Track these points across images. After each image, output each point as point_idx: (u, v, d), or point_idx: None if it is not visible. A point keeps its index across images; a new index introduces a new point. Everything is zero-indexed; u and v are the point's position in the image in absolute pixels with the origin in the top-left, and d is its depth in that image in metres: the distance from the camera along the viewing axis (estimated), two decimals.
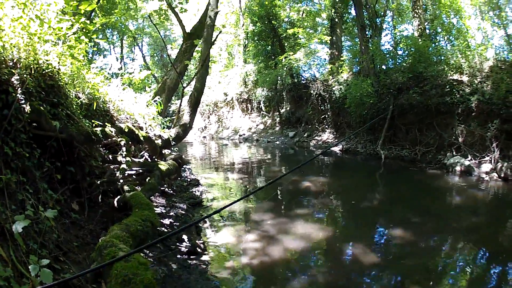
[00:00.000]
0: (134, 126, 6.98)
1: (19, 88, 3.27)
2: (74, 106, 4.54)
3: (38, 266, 2.18)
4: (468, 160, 10.05)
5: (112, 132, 5.66)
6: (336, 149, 14.91)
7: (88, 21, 5.68)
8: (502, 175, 8.93)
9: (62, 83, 4.24)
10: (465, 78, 11.99)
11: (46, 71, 3.88)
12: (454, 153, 10.81)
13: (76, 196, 4.28)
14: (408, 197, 8.44)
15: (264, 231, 6.09)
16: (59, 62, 4.10)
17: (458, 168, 9.92)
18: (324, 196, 8.75)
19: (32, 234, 2.62)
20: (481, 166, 9.80)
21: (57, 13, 4.45)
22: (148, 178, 6.53)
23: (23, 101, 3.25)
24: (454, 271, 4.84)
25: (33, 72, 3.62)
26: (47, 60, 3.91)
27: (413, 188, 9.23)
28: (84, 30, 5.58)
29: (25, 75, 3.44)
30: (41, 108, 3.47)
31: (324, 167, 12.82)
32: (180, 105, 10.46)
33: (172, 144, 9.25)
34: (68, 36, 4.74)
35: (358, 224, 6.79)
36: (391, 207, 7.65)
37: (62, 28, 4.42)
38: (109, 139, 5.77)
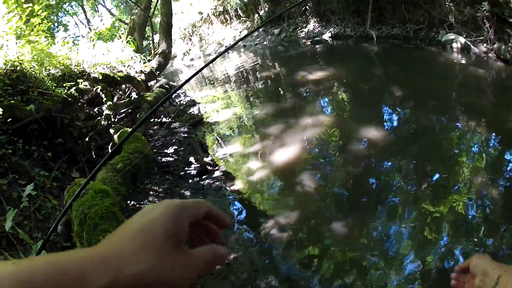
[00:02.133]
0: (113, 72, 7.03)
1: None
2: (47, 82, 4.60)
3: (35, 253, 2.10)
4: (464, 38, 9.71)
5: (86, 85, 5.72)
6: (326, 36, 14.57)
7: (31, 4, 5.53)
8: (502, 57, 8.12)
9: (27, 69, 4.27)
10: None
11: (7, 68, 3.91)
12: (447, 30, 10.47)
13: (74, 164, 4.51)
14: (410, 76, 7.93)
15: (271, 132, 5.82)
16: (18, 56, 4.11)
17: (455, 45, 9.51)
18: (324, 84, 8.32)
19: (36, 224, 2.81)
20: (478, 45, 9.18)
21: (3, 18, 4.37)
22: (138, 114, 6.68)
23: None
24: (469, 151, 4.57)
25: None
26: (6, 61, 3.93)
27: (413, 66, 8.68)
28: (32, 14, 5.48)
29: None
30: (11, 102, 3.56)
31: (318, 56, 12.64)
32: (153, 35, 10.27)
33: (157, 73, 9.31)
34: (19, 27, 4.69)
35: (364, 108, 6.45)
36: (394, 88, 7.19)
37: (12, 26, 4.36)
38: (88, 95, 5.88)
